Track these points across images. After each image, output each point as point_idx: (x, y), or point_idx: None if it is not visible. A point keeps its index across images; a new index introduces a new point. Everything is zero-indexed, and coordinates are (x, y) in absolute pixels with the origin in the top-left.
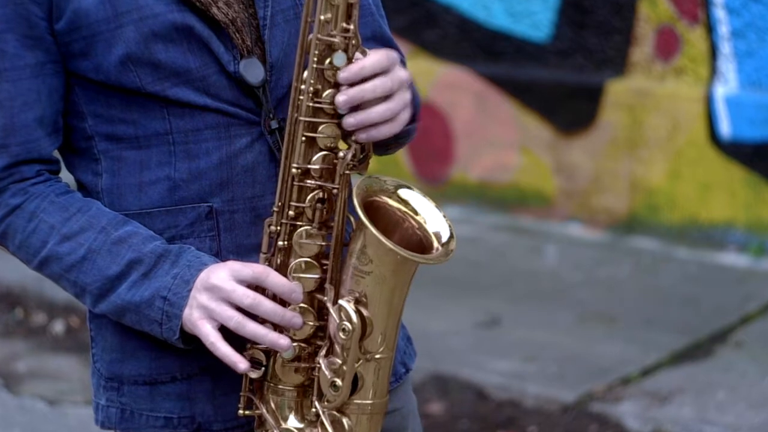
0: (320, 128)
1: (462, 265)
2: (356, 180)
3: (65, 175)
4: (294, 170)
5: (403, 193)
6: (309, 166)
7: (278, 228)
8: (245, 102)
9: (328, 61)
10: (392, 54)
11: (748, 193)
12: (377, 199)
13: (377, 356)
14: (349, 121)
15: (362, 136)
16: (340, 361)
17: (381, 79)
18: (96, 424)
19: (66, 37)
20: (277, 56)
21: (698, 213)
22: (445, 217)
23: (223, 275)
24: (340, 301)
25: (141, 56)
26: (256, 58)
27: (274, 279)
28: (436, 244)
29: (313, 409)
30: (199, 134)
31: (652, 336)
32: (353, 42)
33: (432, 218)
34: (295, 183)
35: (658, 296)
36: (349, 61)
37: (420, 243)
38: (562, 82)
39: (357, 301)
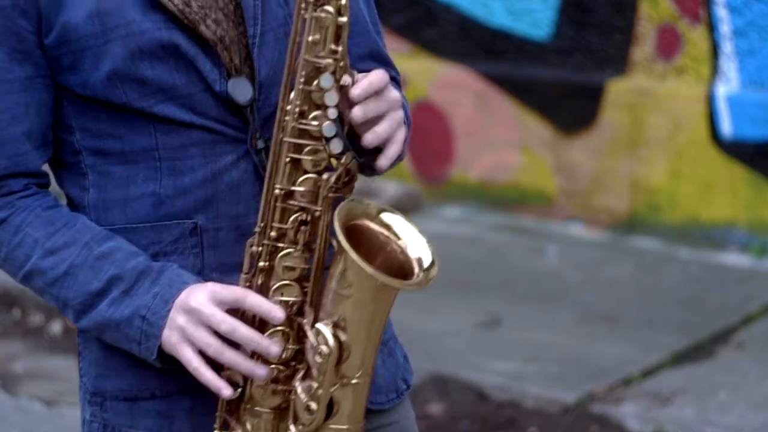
0: (305, 150)
1: (462, 265)
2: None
3: (56, 190)
4: (277, 191)
5: (385, 217)
6: (293, 188)
7: (260, 249)
8: (232, 120)
9: (315, 82)
10: (386, 75)
11: (749, 192)
12: (359, 222)
13: (353, 381)
14: (369, 138)
15: (384, 163)
16: (316, 385)
17: (376, 100)
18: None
19: (55, 51)
20: (266, 75)
21: (699, 213)
22: (428, 242)
23: (202, 298)
24: (318, 325)
25: (128, 72)
26: (245, 77)
27: (253, 300)
28: (417, 269)
29: None
30: (184, 151)
31: (653, 336)
32: (341, 64)
33: (414, 243)
34: (278, 204)
35: (659, 296)
36: (337, 83)
37: (401, 268)
38: (562, 81)
39: (335, 325)
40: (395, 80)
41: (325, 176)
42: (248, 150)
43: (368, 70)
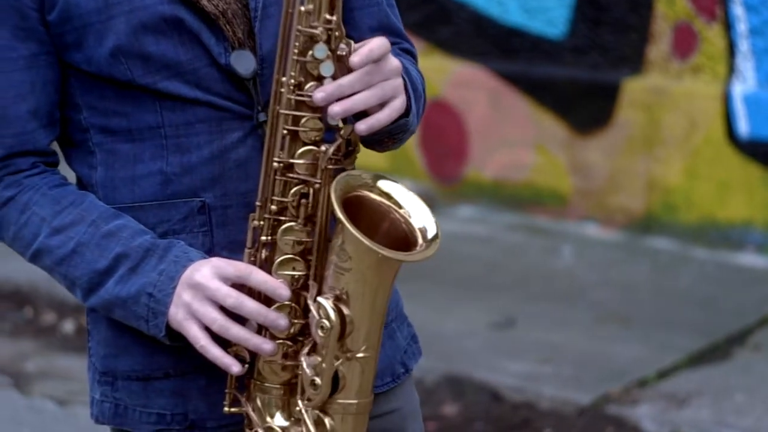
0: (302, 122)
1: (476, 264)
2: None
3: (66, 171)
4: (275, 164)
5: (384, 185)
6: (292, 161)
7: (261, 223)
8: (237, 95)
9: (310, 53)
10: (386, 42)
11: (766, 192)
12: (359, 194)
13: (359, 355)
14: (335, 110)
15: (362, 127)
16: (320, 359)
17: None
18: (90, 419)
19: (58, 28)
20: (268, 48)
21: (716, 213)
22: (430, 210)
23: (207, 272)
24: (319, 298)
25: (131, 48)
26: (248, 50)
27: (258, 277)
28: (420, 240)
29: (297, 408)
30: (190, 128)
31: (669, 337)
32: (336, 34)
33: (417, 212)
34: (277, 177)
35: (675, 297)
36: (332, 53)
37: (405, 238)
38: (577, 79)
39: (337, 299)
40: (410, 53)
41: (323, 148)
42: (255, 127)
43: None
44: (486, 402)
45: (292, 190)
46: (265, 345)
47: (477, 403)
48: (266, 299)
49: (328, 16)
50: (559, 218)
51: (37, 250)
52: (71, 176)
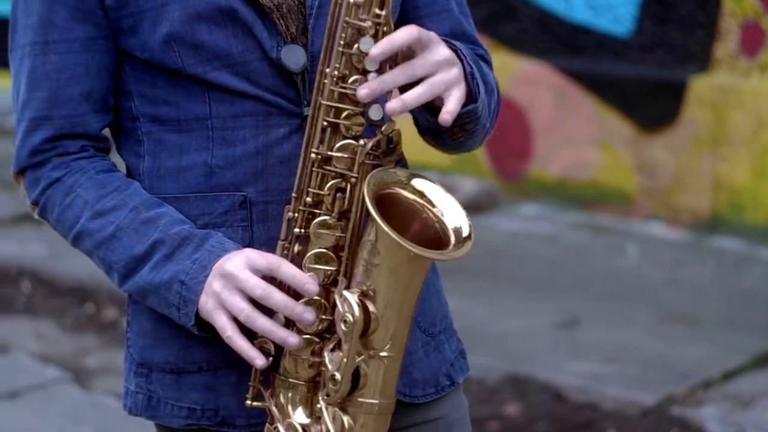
0: (343, 114)
1: (540, 263)
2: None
3: (117, 160)
4: (313, 155)
5: (417, 183)
6: (330, 153)
7: (295, 215)
8: (286, 91)
9: (355, 46)
10: (414, 30)
11: None
12: (392, 191)
13: (382, 354)
14: (362, 93)
15: (394, 105)
16: (342, 355)
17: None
18: (124, 409)
19: (115, 13)
20: (320, 46)
21: None
22: (465, 211)
23: (238, 262)
24: (344, 292)
25: (184, 36)
26: (300, 46)
27: (287, 270)
28: (453, 240)
29: (318, 405)
30: (237, 121)
31: (735, 338)
32: (384, 29)
33: (451, 211)
34: (314, 169)
35: (741, 298)
36: None
37: (437, 237)
38: (643, 77)
39: (363, 294)
40: (485, 59)
41: (362, 142)
42: (301, 124)
43: None
44: (549, 402)
45: (329, 184)
46: (290, 338)
47: (539, 403)
48: (296, 293)
49: (377, 11)
50: (624, 217)
51: (78, 232)
52: (122, 166)
